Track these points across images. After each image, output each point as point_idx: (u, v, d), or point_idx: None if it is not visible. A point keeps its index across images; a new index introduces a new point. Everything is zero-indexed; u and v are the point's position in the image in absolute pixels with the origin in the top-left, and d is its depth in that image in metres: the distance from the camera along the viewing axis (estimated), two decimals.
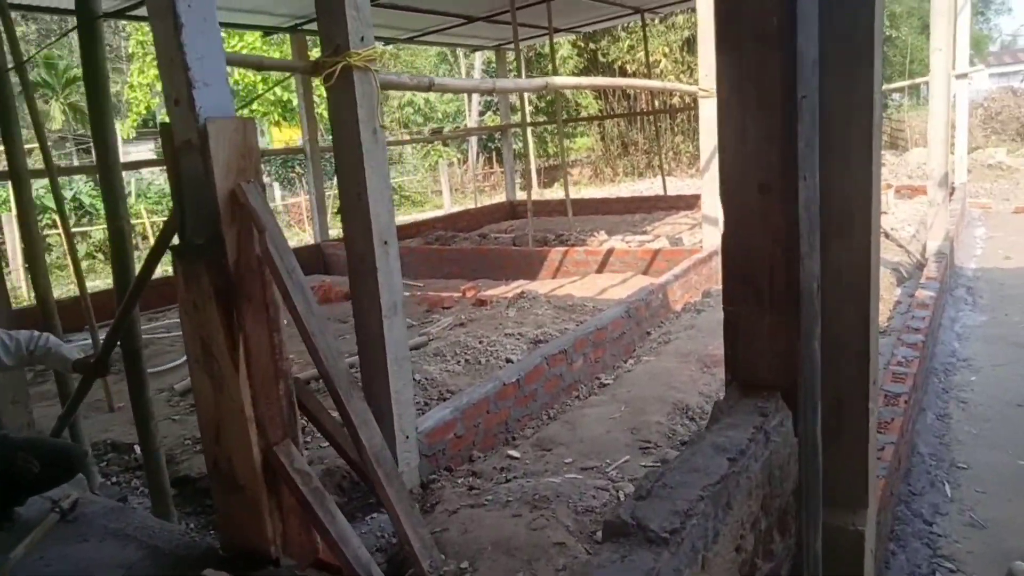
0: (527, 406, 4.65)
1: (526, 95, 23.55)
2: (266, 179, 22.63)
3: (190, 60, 2.54)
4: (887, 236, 9.82)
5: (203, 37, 2.59)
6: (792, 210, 1.38)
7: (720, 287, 2.79)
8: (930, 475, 3.82)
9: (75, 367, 3.22)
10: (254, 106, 19.68)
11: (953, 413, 4.68)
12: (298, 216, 19.53)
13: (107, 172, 3.03)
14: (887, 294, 7.60)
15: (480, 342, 5.51)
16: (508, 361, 5.24)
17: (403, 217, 19.25)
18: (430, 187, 24.02)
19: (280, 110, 19.48)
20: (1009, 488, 3.67)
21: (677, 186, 17.12)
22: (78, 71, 21.27)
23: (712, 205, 7.95)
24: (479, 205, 16.33)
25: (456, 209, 16.83)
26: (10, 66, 3.65)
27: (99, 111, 3.00)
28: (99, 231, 16.15)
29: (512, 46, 13.84)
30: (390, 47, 21.71)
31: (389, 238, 3.44)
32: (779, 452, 1.36)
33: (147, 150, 25.22)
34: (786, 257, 1.41)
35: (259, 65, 3.72)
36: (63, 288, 13.12)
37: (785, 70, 1.33)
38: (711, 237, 7.90)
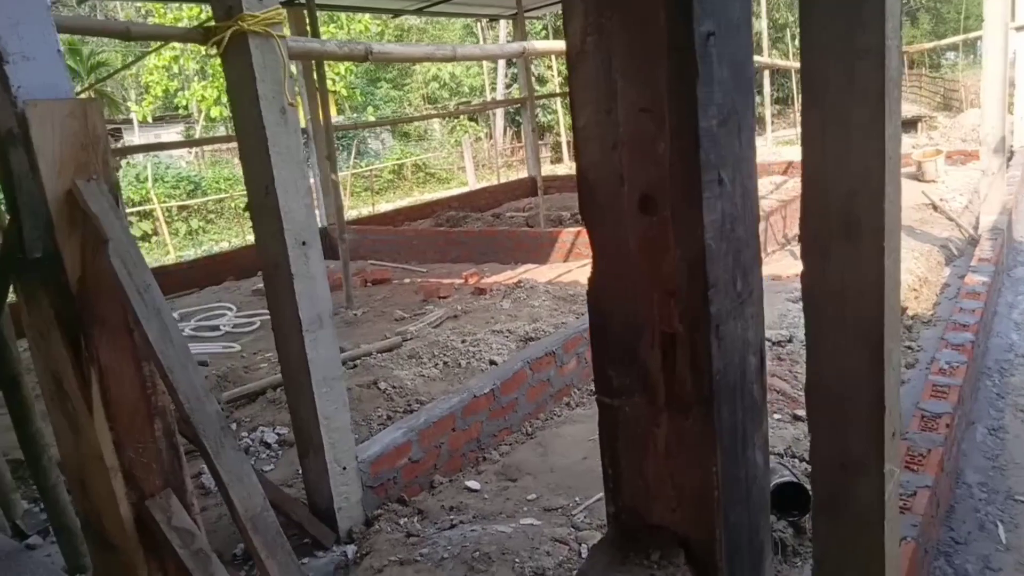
0: (505, 418, 4.08)
1: (555, 64, 22.62)
2: None
3: None
4: (936, 208, 8.92)
5: None
6: (695, 239, 0.78)
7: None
8: (979, 514, 3.13)
9: None
10: None
11: (1010, 425, 3.95)
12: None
13: None
14: (934, 275, 6.78)
15: (463, 341, 4.95)
16: (492, 363, 4.67)
17: (427, 196, 18.68)
18: (456, 163, 23.40)
19: None
20: None
21: None
22: (103, 56, 21.24)
23: None
24: (501, 182, 15.67)
25: (479, 186, 16.18)
26: None
27: None
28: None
29: (533, 14, 13.10)
30: (415, 20, 20.98)
31: (308, 238, 2.87)
32: None
33: (175, 132, 25.03)
34: (690, 319, 0.81)
35: (126, 34, 3.08)
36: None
37: None
38: None
